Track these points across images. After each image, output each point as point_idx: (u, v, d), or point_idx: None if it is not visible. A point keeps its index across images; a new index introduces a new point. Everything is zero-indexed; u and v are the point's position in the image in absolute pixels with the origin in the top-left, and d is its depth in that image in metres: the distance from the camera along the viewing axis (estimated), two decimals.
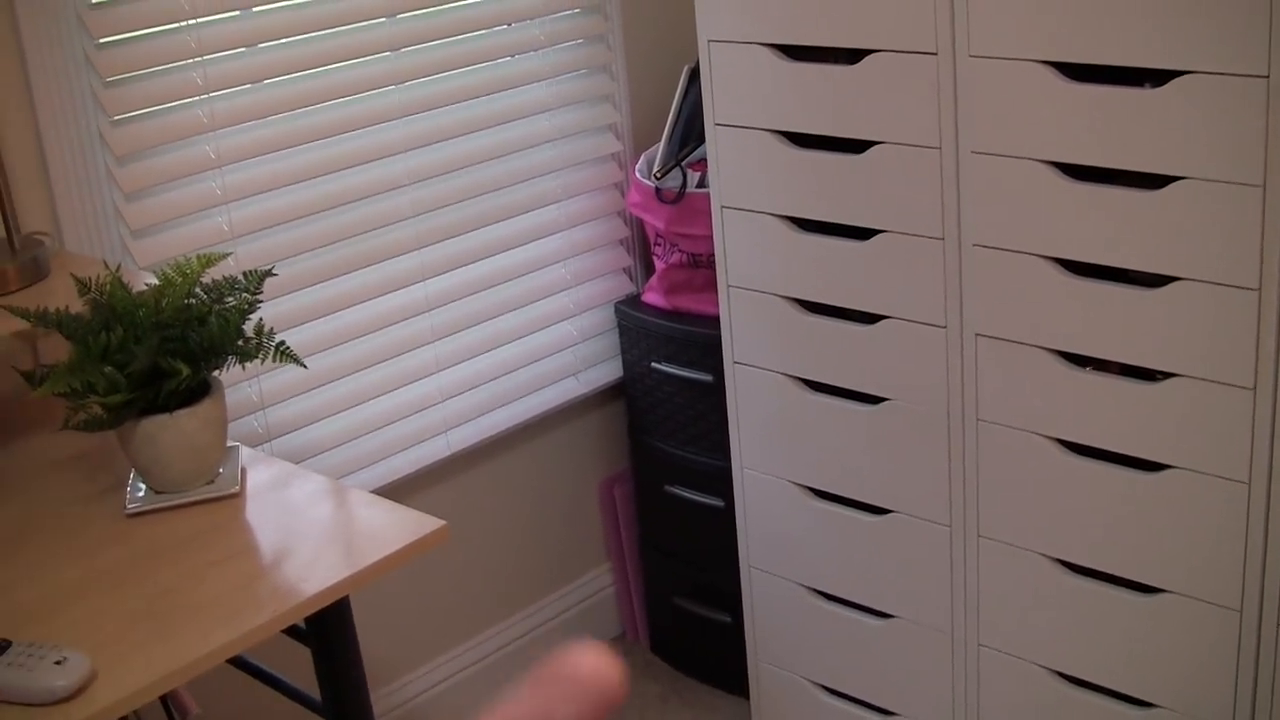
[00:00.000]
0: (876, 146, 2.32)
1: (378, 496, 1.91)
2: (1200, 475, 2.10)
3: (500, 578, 3.12)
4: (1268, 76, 1.86)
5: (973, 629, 2.46)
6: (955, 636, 2.50)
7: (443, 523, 1.82)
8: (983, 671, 2.48)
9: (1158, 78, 1.98)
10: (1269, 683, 2.13)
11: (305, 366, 2.01)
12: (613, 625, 3.38)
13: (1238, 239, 1.96)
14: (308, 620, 1.77)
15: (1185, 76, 1.94)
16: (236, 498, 1.93)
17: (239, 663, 2.08)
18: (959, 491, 2.40)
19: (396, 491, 2.79)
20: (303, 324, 2.59)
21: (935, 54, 2.19)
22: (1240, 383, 2.02)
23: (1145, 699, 2.28)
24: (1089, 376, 2.19)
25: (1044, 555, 2.32)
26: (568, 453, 3.19)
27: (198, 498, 1.92)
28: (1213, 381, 2.05)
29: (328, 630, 1.79)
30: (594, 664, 0.70)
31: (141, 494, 1.93)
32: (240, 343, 1.92)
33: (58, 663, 1.52)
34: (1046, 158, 2.12)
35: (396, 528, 1.82)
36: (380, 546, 1.78)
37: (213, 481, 1.94)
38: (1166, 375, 2.10)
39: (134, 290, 1.91)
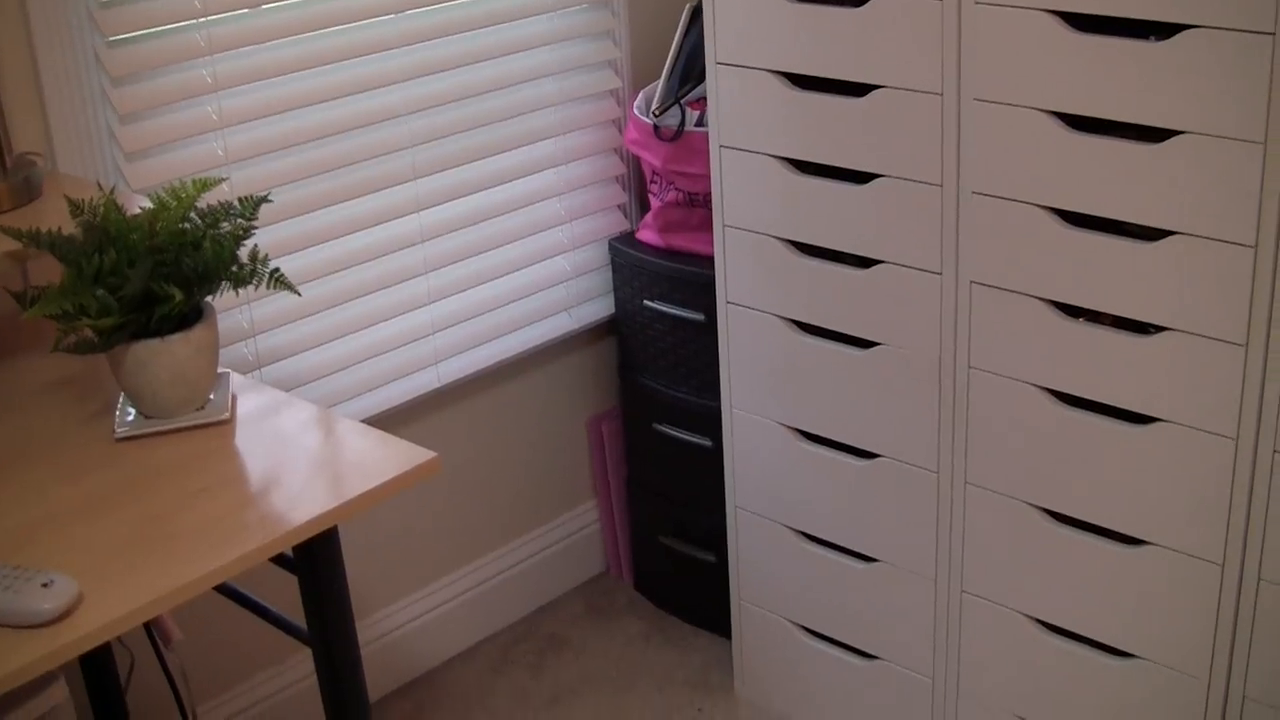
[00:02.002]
0: (878, 90, 2.30)
1: (368, 426, 1.91)
2: (1189, 429, 2.10)
3: (485, 512, 3.13)
4: (1274, 33, 1.85)
5: (956, 575, 2.47)
6: (939, 582, 2.50)
7: (434, 454, 1.81)
8: (965, 618, 2.49)
9: (1163, 30, 1.96)
10: (1247, 635, 2.14)
11: (299, 294, 2.01)
12: (597, 562, 3.39)
13: (1237, 195, 1.95)
14: (295, 549, 1.77)
15: (1191, 30, 1.92)
16: (226, 424, 1.92)
17: (224, 590, 2.08)
18: (948, 438, 2.40)
19: (385, 422, 2.79)
20: (296, 252, 2.58)
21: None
22: (1233, 339, 2.02)
23: (1125, 649, 2.29)
24: (1082, 328, 2.19)
25: (1030, 504, 2.33)
26: (557, 388, 3.19)
27: (187, 424, 1.91)
28: (1205, 337, 2.05)
29: (315, 559, 1.79)
30: None
31: (131, 418, 1.92)
32: (235, 269, 1.91)
33: (44, 585, 1.52)
34: (1049, 107, 2.11)
35: (387, 458, 1.81)
36: (370, 477, 1.77)
37: (203, 408, 1.94)
38: (1159, 329, 2.10)
39: (128, 213, 1.89)
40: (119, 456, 1.86)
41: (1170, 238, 2.04)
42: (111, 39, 2.29)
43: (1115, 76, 2.02)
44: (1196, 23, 1.91)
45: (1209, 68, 1.92)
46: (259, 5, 2.46)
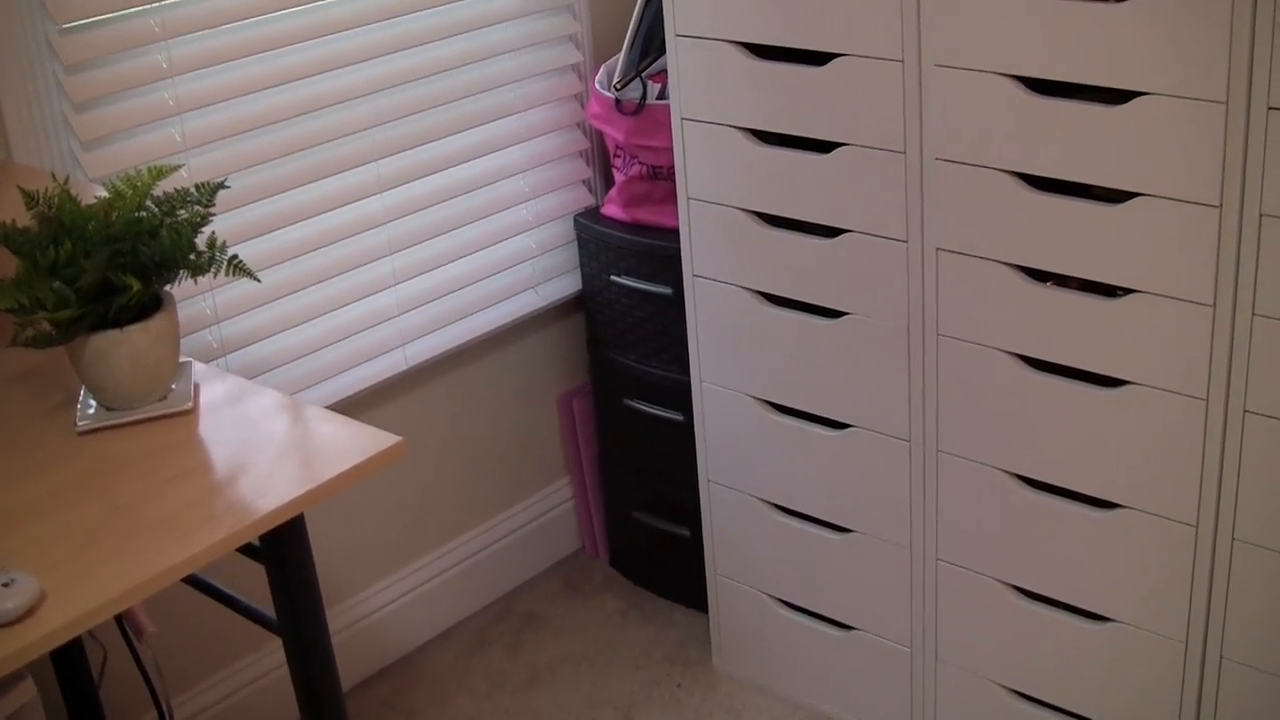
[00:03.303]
0: (839, 59, 2.29)
1: (333, 412, 1.89)
2: (1159, 391, 2.10)
3: (458, 492, 3.11)
4: None
5: (931, 543, 2.47)
6: (914, 551, 2.50)
7: (399, 438, 1.80)
8: (941, 585, 2.49)
9: None
10: (1223, 596, 2.14)
11: (259, 280, 1.99)
12: (571, 540, 3.38)
13: (1201, 154, 1.94)
14: (262, 538, 1.75)
15: None
16: (190, 414, 1.90)
17: (193, 581, 2.07)
18: (918, 406, 2.40)
19: (353, 406, 2.77)
20: (258, 237, 2.55)
21: None
22: (1200, 299, 2.01)
23: (1103, 613, 2.29)
24: (1049, 292, 2.18)
25: (1003, 470, 2.33)
26: (526, 366, 3.18)
27: (150, 414, 1.89)
28: (1172, 298, 2.04)
29: (283, 548, 1.78)
30: None
31: (92, 411, 1.90)
32: (193, 256, 1.89)
33: (4, 585, 1.50)
34: (1010, 71, 2.10)
35: (352, 443, 1.80)
36: (336, 462, 1.76)
37: (165, 398, 1.92)
38: (1126, 291, 2.09)
39: (83, 203, 1.87)
40: (81, 450, 1.84)
41: (1135, 199, 2.03)
42: (64, 26, 2.25)
43: (1076, 38, 2.01)
44: None
45: (1169, 27, 1.91)
46: None
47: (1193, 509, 2.12)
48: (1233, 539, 2.10)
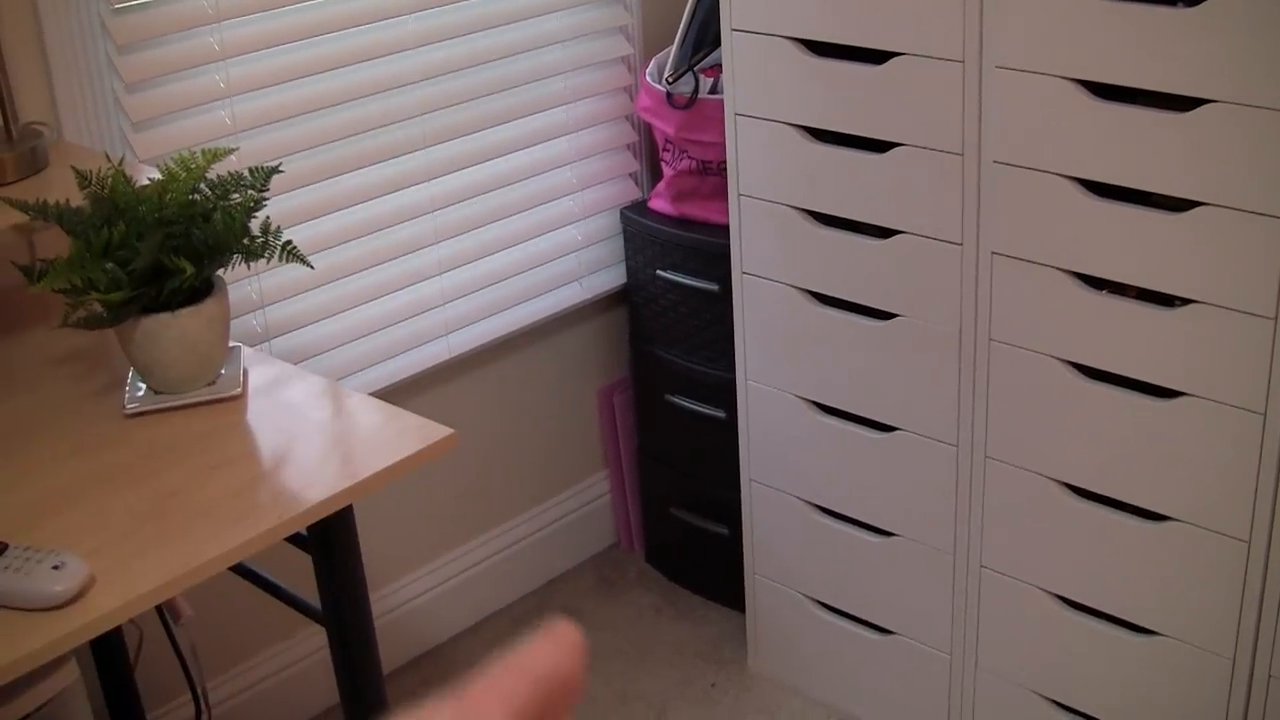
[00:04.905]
0: (898, 58, 2.26)
1: (382, 402, 1.87)
2: (1215, 404, 2.07)
3: (497, 483, 3.10)
4: None
5: (975, 550, 2.44)
6: (957, 556, 2.48)
7: (450, 431, 1.78)
8: (984, 592, 2.46)
9: None
10: (1274, 613, 2.11)
11: (312, 267, 1.97)
12: (608, 534, 3.36)
13: (1267, 165, 1.91)
14: (309, 528, 1.74)
15: None
16: (238, 400, 1.89)
17: (237, 568, 2.05)
18: (967, 411, 2.37)
19: (395, 394, 2.76)
20: (305, 222, 2.54)
21: None
22: (1261, 311, 1.98)
23: (1148, 626, 2.27)
24: (1105, 299, 2.15)
25: (1051, 479, 2.30)
26: (568, 359, 3.16)
27: (199, 399, 1.88)
28: (1233, 310, 2.01)
29: (331, 539, 1.76)
30: (553, 656, 0.64)
31: (141, 394, 1.89)
32: (246, 241, 1.88)
33: (55, 568, 1.49)
34: (1074, 75, 2.07)
35: (402, 434, 1.78)
36: (386, 454, 1.74)
37: (214, 383, 1.90)
38: (1185, 301, 2.06)
39: (136, 185, 1.86)
40: (129, 433, 1.83)
41: (1197, 209, 2.00)
42: (117, 5, 2.24)
43: (1143, 43, 1.98)
44: None
45: (1241, 31, 1.88)
46: None
47: (1245, 524, 2.09)
48: None
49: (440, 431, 1.78)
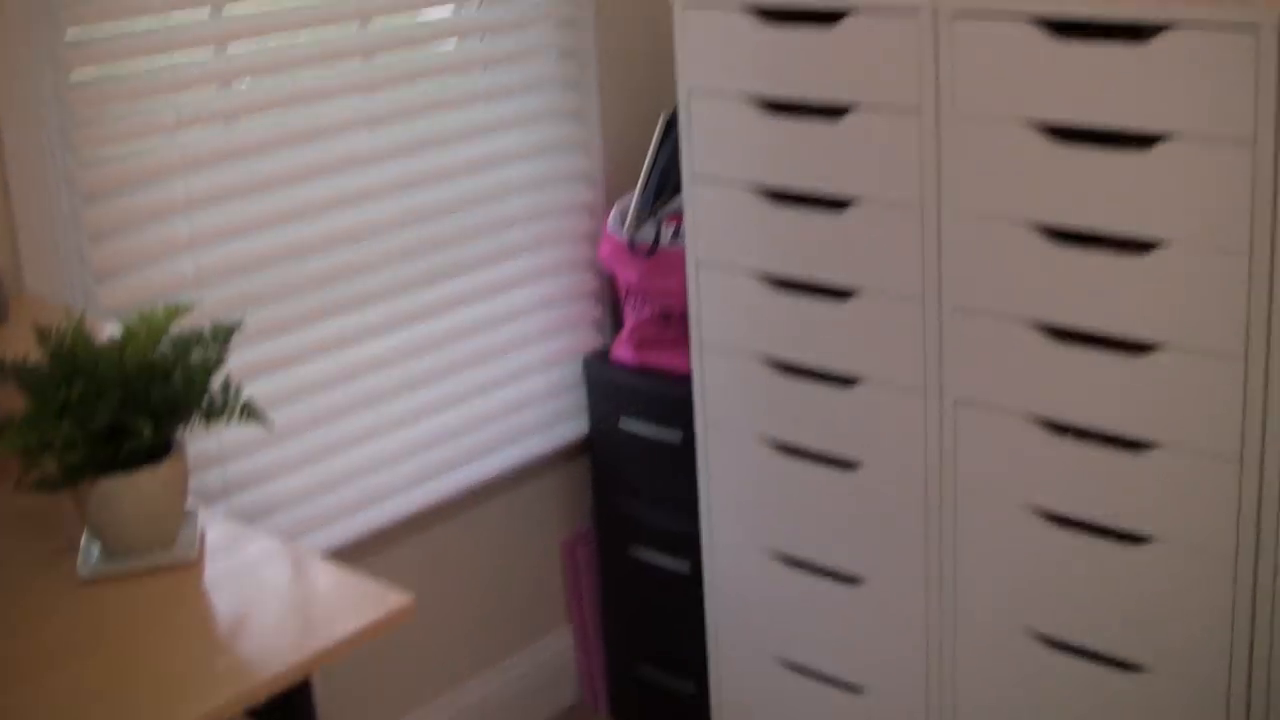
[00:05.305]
0: (856, 205, 2.27)
1: (341, 566, 1.83)
2: (1187, 547, 2.05)
3: (458, 639, 3.03)
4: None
5: (949, 709, 2.40)
6: (929, 713, 2.43)
7: (408, 598, 1.74)
8: None
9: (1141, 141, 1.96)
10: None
11: (271, 428, 1.93)
12: (571, 690, 3.29)
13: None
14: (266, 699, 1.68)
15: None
16: (195, 565, 1.84)
17: None
18: (935, 562, 2.34)
19: (359, 548, 2.70)
20: (266, 374, 2.50)
21: (919, 112, 2.16)
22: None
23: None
24: (1068, 445, 2.15)
25: (1024, 629, 2.27)
26: (530, 511, 3.11)
27: (155, 563, 1.82)
28: (1201, 452, 2.02)
29: (290, 711, 1.71)
30: None
31: (95, 558, 1.84)
32: (206, 401, 1.84)
33: None
34: (1030, 219, 2.08)
35: (361, 601, 1.74)
36: (344, 623, 1.69)
37: (170, 547, 1.85)
38: (1150, 445, 2.07)
39: (97, 340, 1.82)
40: (82, 599, 1.77)
41: (1157, 350, 2.01)
42: (83, 157, 2.23)
43: (1098, 186, 2.00)
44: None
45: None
46: (232, 122, 2.41)
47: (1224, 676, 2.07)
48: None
49: (398, 599, 1.74)
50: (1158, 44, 1.92)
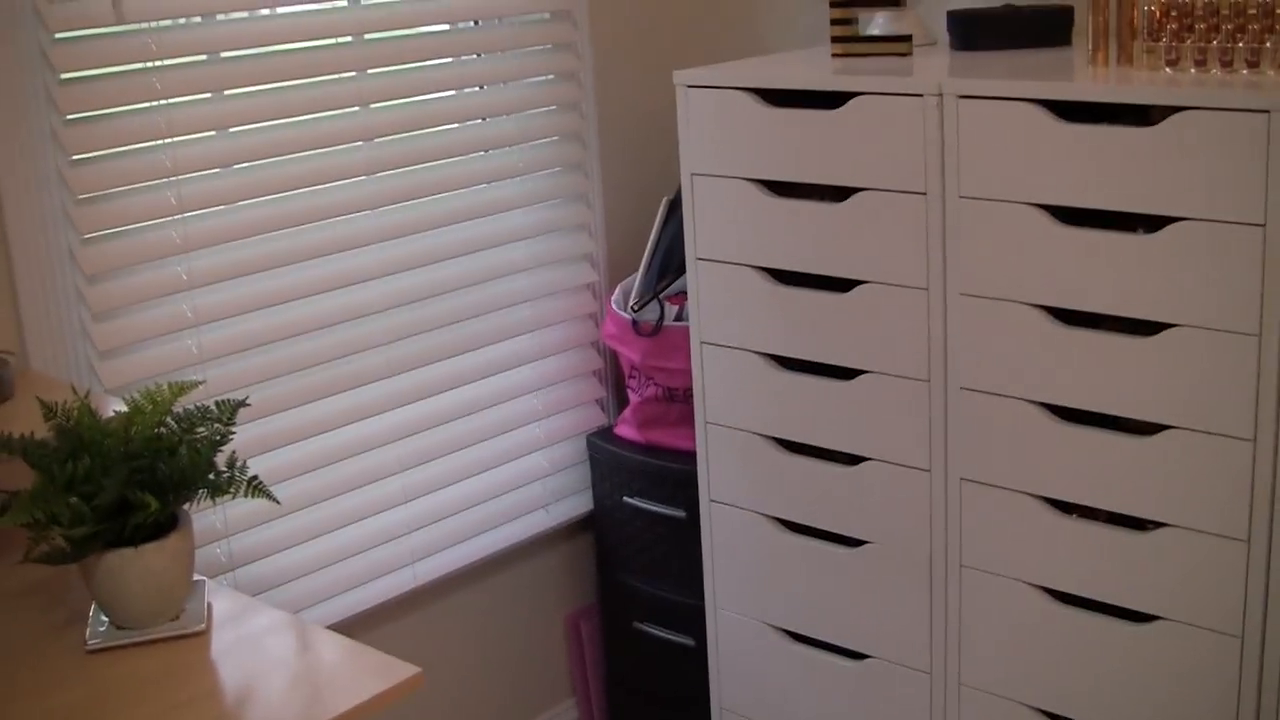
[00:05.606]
0: (862, 286, 2.29)
1: (346, 638, 1.84)
2: (1189, 627, 2.06)
3: (464, 712, 3.03)
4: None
5: None
6: None
7: (416, 669, 1.75)
8: None
9: (1151, 224, 1.96)
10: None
11: (279, 502, 1.95)
12: None
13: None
14: None
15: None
16: (201, 636, 1.85)
17: None
18: (940, 638, 2.35)
19: (362, 623, 2.71)
20: (270, 450, 2.52)
21: (924, 194, 2.18)
22: (1234, 534, 1.98)
23: None
24: (1076, 524, 2.15)
25: (1029, 706, 2.27)
26: (534, 586, 3.12)
27: (161, 635, 1.84)
28: (1205, 533, 2.01)
29: None
30: None
31: (103, 629, 1.85)
32: (211, 476, 1.86)
33: None
34: (1036, 301, 2.10)
35: (367, 673, 1.75)
36: (350, 695, 1.70)
37: (177, 618, 1.87)
38: (1156, 525, 2.06)
39: (102, 417, 1.85)
40: (90, 670, 1.79)
41: (1165, 432, 2.02)
42: (86, 237, 2.26)
43: (1105, 268, 2.02)
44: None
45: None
46: (234, 203, 2.44)
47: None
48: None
49: (406, 670, 1.74)
50: (1167, 126, 1.93)
